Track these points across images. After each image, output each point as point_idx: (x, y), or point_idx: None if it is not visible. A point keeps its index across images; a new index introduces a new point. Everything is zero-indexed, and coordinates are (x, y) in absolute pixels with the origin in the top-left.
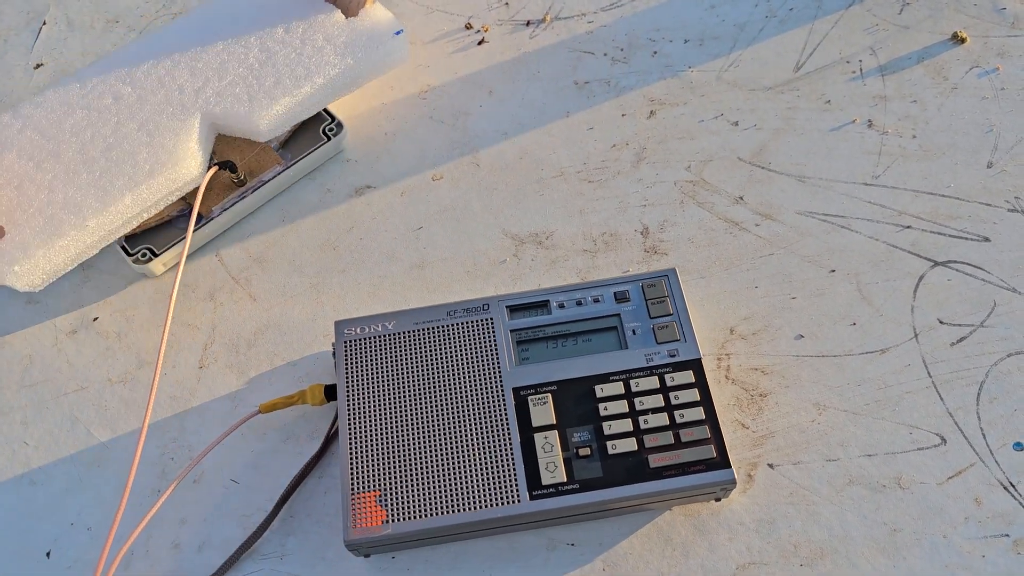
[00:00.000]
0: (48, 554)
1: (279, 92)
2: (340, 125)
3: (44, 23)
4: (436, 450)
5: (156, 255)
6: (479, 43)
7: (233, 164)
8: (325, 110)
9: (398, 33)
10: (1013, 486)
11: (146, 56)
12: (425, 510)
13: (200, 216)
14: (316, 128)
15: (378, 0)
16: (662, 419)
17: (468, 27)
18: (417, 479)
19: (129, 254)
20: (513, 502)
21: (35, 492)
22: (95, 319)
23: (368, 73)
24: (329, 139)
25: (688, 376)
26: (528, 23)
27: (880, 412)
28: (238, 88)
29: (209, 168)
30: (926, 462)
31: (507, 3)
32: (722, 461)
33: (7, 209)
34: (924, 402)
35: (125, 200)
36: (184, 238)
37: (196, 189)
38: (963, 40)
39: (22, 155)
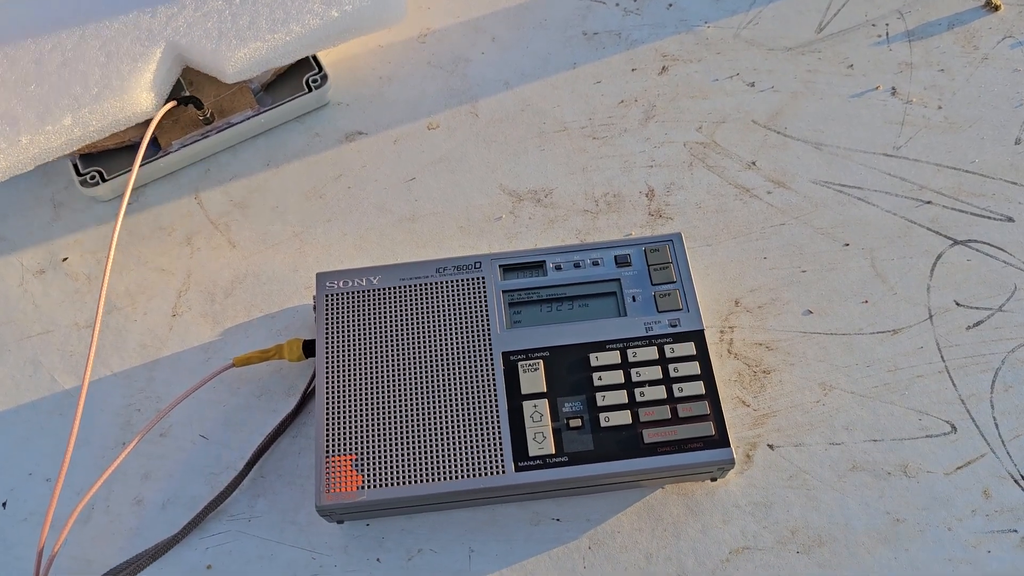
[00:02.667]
0: (3, 504)
1: (251, 34)
2: (325, 77)
3: None
4: (418, 414)
5: (105, 180)
6: None
7: (198, 100)
8: (314, 58)
9: None
10: None
11: None
12: (403, 477)
13: (159, 148)
14: (302, 75)
15: None
16: (659, 392)
17: None
18: (396, 444)
19: (79, 174)
20: (497, 473)
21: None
22: (64, 259)
23: (354, 29)
24: (310, 90)
25: (689, 348)
26: None
27: (889, 396)
28: (211, 22)
29: (168, 101)
30: (934, 450)
31: None
32: (721, 439)
33: None
34: (936, 387)
35: (65, 121)
36: (131, 169)
37: (151, 120)
38: (997, 7)
39: None
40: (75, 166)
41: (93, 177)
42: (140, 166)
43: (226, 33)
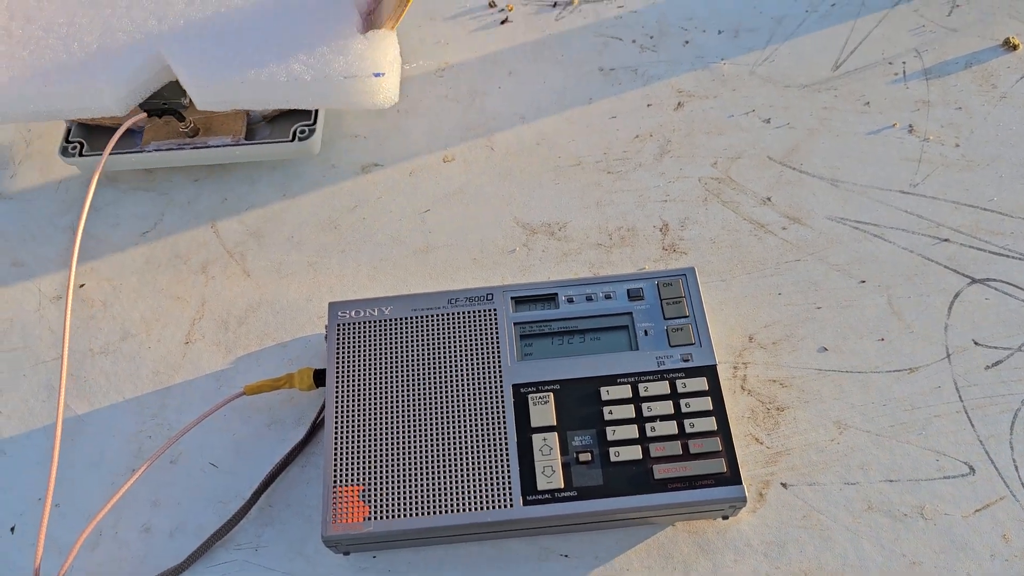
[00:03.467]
0: (12, 529)
1: (233, 68)
2: (313, 131)
3: None
4: (427, 446)
5: (83, 154)
6: (502, 22)
7: (179, 113)
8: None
9: (376, 75)
10: None
11: None
12: (411, 509)
13: (137, 143)
14: (293, 120)
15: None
16: (671, 427)
17: (492, 5)
18: (404, 475)
19: (66, 140)
20: (505, 506)
21: (3, 462)
22: (81, 285)
23: (340, 100)
24: (294, 140)
25: (701, 383)
26: (555, 4)
27: (905, 435)
28: (201, 44)
29: (145, 109)
30: (952, 492)
31: None
32: (732, 477)
33: None
34: (953, 427)
35: (30, 91)
36: (101, 154)
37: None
38: (1015, 47)
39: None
40: (68, 131)
41: (75, 147)
42: (115, 153)
43: (210, 59)
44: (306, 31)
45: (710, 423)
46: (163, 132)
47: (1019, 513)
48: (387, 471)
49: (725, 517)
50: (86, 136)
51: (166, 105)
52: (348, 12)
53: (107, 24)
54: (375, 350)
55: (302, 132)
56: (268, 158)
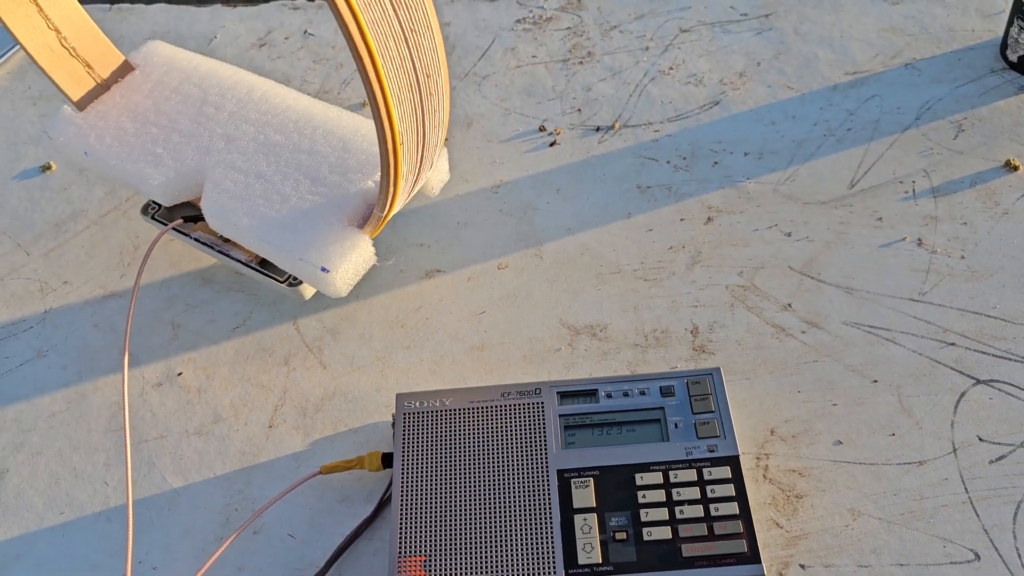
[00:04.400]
0: None
1: (241, 207)
2: (299, 283)
3: None
4: (481, 521)
5: (154, 219)
6: (551, 144)
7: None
8: None
9: (323, 270)
10: None
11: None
12: None
13: (189, 232)
14: None
15: (368, 236)
16: (697, 511)
17: (542, 129)
18: (461, 547)
19: (151, 202)
20: None
21: (110, 529)
22: (179, 374)
23: (297, 272)
24: (283, 282)
25: (725, 472)
26: (598, 129)
27: (915, 523)
28: (229, 179)
29: (184, 217)
30: None
31: (579, 110)
32: (752, 556)
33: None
34: (960, 517)
35: (114, 169)
36: (166, 224)
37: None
38: (1016, 168)
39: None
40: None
41: (153, 208)
42: (175, 230)
43: (227, 194)
44: (306, 204)
45: (733, 507)
46: (208, 229)
47: None
48: (446, 543)
49: None
50: (175, 210)
51: (194, 215)
52: (349, 203)
53: (192, 130)
54: (437, 436)
55: (293, 280)
56: (270, 287)
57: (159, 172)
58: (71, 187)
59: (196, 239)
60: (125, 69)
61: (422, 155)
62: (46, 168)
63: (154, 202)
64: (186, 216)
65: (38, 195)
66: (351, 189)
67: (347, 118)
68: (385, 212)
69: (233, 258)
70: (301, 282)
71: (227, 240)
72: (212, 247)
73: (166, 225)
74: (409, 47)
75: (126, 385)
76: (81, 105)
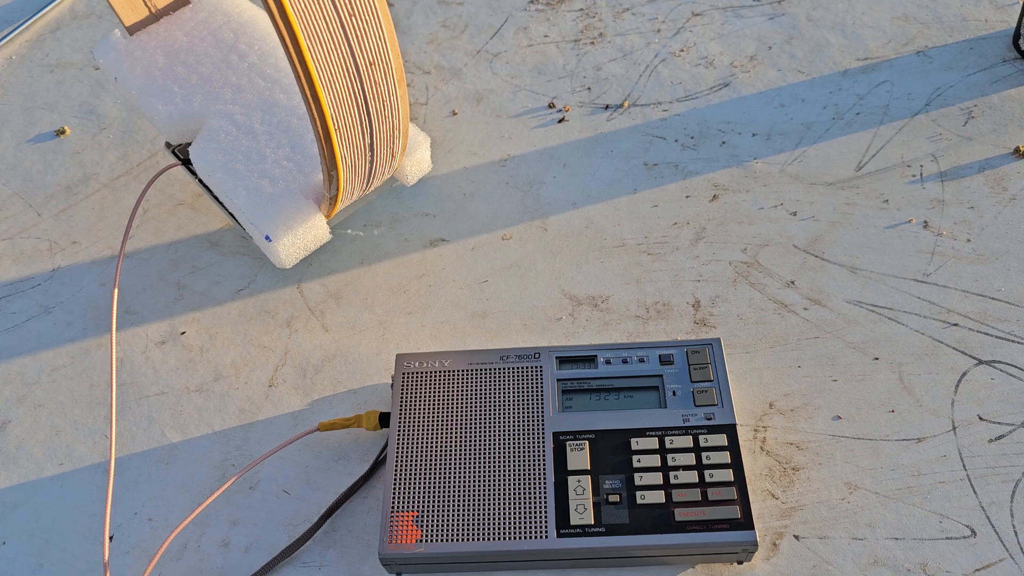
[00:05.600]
0: (112, 537)
1: (225, 160)
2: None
3: None
4: (475, 480)
5: (175, 154)
6: (559, 121)
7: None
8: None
9: (267, 238)
10: None
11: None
12: (458, 535)
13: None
14: None
15: (321, 213)
16: (692, 476)
17: (551, 106)
18: (454, 506)
19: (179, 155)
20: (541, 537)
21: (107, 480)
22: (182, 333)
23: (254, 236)
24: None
25: (721, 439)
26: (607, 107)
27: (911, 498)
28: (228, 122)
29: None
30: (954, 552)
31: (589, 88)
32: (746, 523)
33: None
34: (957, 493)
35: (138, 96)
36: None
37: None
38: None
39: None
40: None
41: (182, 151)
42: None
43: (213, 145)
44: (278, 169)
45: (727, 474)
46: None
47: (1017, 574)
48: (439, 501)
49: (740, 562)
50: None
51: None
52: (314, 180)
53: (210, 75)
54: (434, 397)
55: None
56: (254, 242)
57: (166, 109)
58: (84, 151)
59: (201, 181)
60: (180, 2)
61: (369, 143)
62: (60, 132)
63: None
64: (179, 158)
65: (51, 158)
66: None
67: None
68: (331, 194)
69: (222, 206)
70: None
71: None
72: (210, 192)
73: (180, 160)
74: (347, 32)
75: (114, 325)
76: (132, 31)
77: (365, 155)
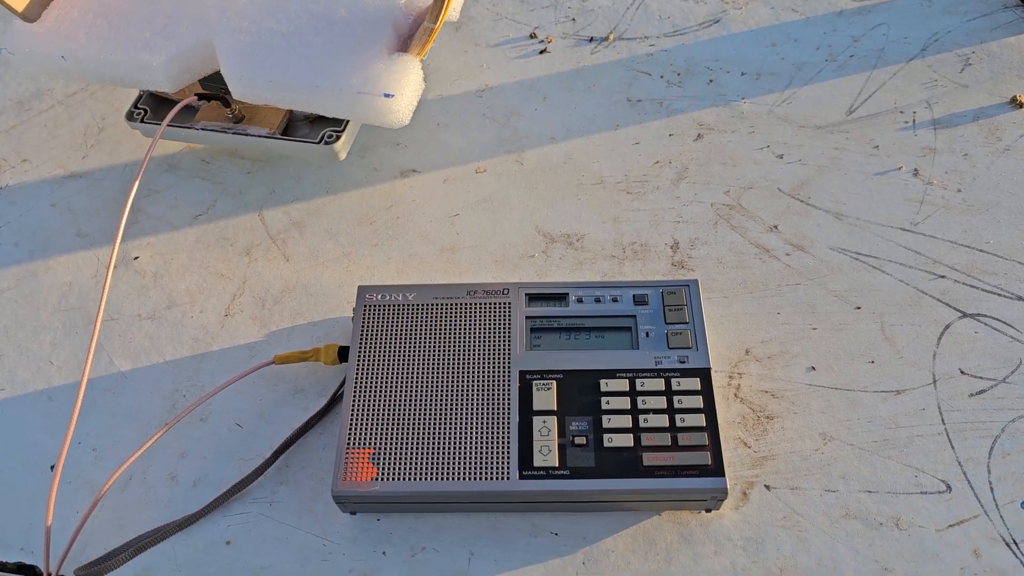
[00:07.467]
0: (52, 467)
1: (269, 63)
2: (338, 137)
3: None
4: (435, 418)
5: (144, 121)
6: (541, 52)
7: (224, 100)
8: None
9: (387, 96)
10: (1016, 544)
11: None
12: (415, 474)
13: (188, 120)
14: (328, 124)
15: (420, 62)
16: (662, 420)
17: (533, 36)
18: (412, 443)
19: (134, 107)
20: (503, 479)
21: (51, 408)
22: (135, 258)
23: (350, 111)
24: (318, 142)
25: (694, 383)
26: (591, 39)
27: (887, 451)
28: (248, 37)
29: (198, 95)
30: (928, 507)
31: (573, 19)
32: (716, 469)
33: None
34: (934, 448)
35: (96, 65)
36: (159, 124)
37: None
38: (1022, 105)
39: None
40: (138, 98)
41: (139, 113)
42: (171, 126)
43: (249, 55)
44: (339, 45)
45: (699, 420)
46: (214, 115)
47: (992, 531)
48: (397, 438)
49: (708, 510)
50: (153, 106)
51: (221, 88)
52: (382, 33)
53: (177, 7)
54: (396, 331)
55: (329, 136)
56: (297, 155)
57: (156, 55)
58: None
59: (202, 128)
60: None
61: None
62: None
63: (137, 106)
64: (201, 93)
65: (2, 71)
66: (378, 17)
67: None
68: (437, 23)
69: (251, 135)
70: (337, 138)
71: (238, 121)
72: (224, 131)
73: (160, 125)
74: None
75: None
76: (30, 16)
77: None
